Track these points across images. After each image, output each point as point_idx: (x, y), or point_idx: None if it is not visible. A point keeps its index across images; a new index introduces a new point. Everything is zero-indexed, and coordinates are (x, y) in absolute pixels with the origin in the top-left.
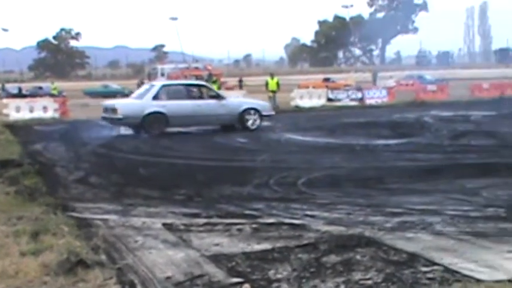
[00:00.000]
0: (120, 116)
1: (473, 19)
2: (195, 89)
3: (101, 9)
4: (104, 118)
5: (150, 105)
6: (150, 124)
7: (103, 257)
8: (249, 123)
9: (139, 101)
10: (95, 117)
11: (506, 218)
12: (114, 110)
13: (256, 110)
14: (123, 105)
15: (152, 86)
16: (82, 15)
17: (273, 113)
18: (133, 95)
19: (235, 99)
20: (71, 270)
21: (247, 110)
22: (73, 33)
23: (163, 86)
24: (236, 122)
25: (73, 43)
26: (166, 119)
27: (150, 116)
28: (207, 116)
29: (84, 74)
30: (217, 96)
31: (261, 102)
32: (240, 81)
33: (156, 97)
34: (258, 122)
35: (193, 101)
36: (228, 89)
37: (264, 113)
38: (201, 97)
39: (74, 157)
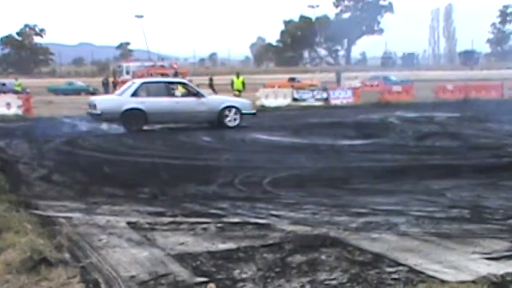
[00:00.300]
0: (98, 112)
1: (438, 21)
2: (175, 87)
3: (65, 5)
4: (88, 113)
5: (129, 102)
6: (128, 120)
7: (67, 256)
8: (228, 121)
9: (118, 97)
10: (59, 114)
11: (470, 219)
12: (94, 106)
13: (236, 108)
14: (101, 101)
15: (133, 83)
16: (46, 12)
17: (253, 111)
18: (116, 92)
19: (216, 97)
20: (33, 268)
21: (226, 108)
22: (37, 29)
23: (143, 83)
24: (215, 120)
25: (37, 39)
26: (145, 115)
27: (128, 112)
28: (186, 113)
29: (48, 70)
30: (197, 94)
31: (241, 100)
32: (211, 79)
33: (135, 94)
34: (237, 120)
35: (173, 98)
36: None
37: (244, 111)
38: (180, 94)
39: (37, 154)
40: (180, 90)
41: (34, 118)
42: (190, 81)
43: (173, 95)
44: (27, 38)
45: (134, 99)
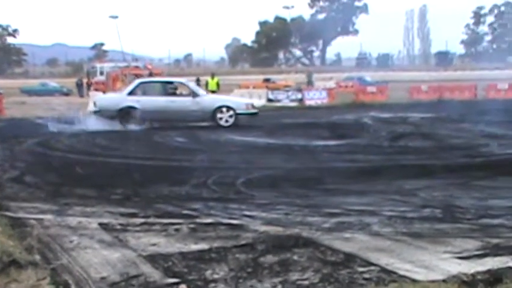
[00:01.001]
0: (97, 109)
1: (413, 22)
2: (171, 86)
3: (39, 5)
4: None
5: (125, 100)
6: (124, 117)
7: (37, 257)
8: (222, 121)
9: (116, 96)
10: (32, 115)
11: (442, 218)
12: (95, 103)
13: (230, 108)
14: (100, 99)
15: (134, 82)
16: (19, 12)
17: (252, 111)
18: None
19: (210, 97)
20: (3, 270)
21: (220, 108)
22: (10, 30)
23: (141, 82)
24: (209, 119)
25: (10, 40)
26: (140, 113)
27: (123, 110)
28: (180, 112)
29: (22, 71)
30: (192, 94)
31: (235, 100)
32: (198, 80)
33: (131, 92)
34: (231, 120)
35: (167, 97)
36: None
37: (239, 111)
38: (175, 94)
39: (9, 155)
40: (176, 89)
41: (6, 119)
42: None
43: (168, 94)
44: (0, 38)
45: (130, 97)
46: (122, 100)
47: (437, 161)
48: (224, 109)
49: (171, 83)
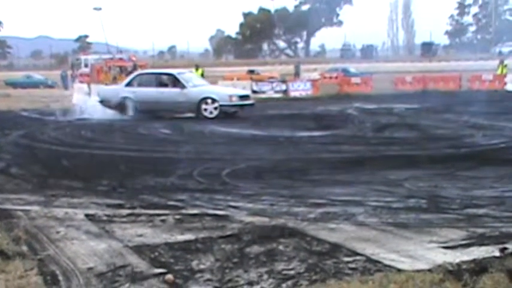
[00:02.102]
0: (100, 99)
1: (397, 13)
2: (163, 78)
3: None
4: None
5: (123, 91)
6: (122, 107)
7: (24, 248)
8: (206, 112)
9: (116, 87)
10: (17, 107)
11: (427, 209)
12: (98, 94)
13: (214, 100)
14: (103, 90)
15: (133, 74)
16: (3, 4)
17: (240, 102)
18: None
19: (197, 88)
20: None
21: (205, 99)
22: None
23: (138, 74)
24: (195, 110)
25: None
26: (135, 103)
27: (121, 100)
28: (169, 103)
29: (6, 64)
30: (180, 85)
31: (220, 91)
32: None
33: (129, 84)
34: (216, 111)
35: (158, 89)
36: None
37: (223, 103)
38: (166, 85)
39: None
40: (177, 81)
41: None
42: None
43: (160, 85)
44: None
45: (127, 88)
46: (120, 91)
47: (422, 151)
48: (209, 100)
49: (163, 74)
